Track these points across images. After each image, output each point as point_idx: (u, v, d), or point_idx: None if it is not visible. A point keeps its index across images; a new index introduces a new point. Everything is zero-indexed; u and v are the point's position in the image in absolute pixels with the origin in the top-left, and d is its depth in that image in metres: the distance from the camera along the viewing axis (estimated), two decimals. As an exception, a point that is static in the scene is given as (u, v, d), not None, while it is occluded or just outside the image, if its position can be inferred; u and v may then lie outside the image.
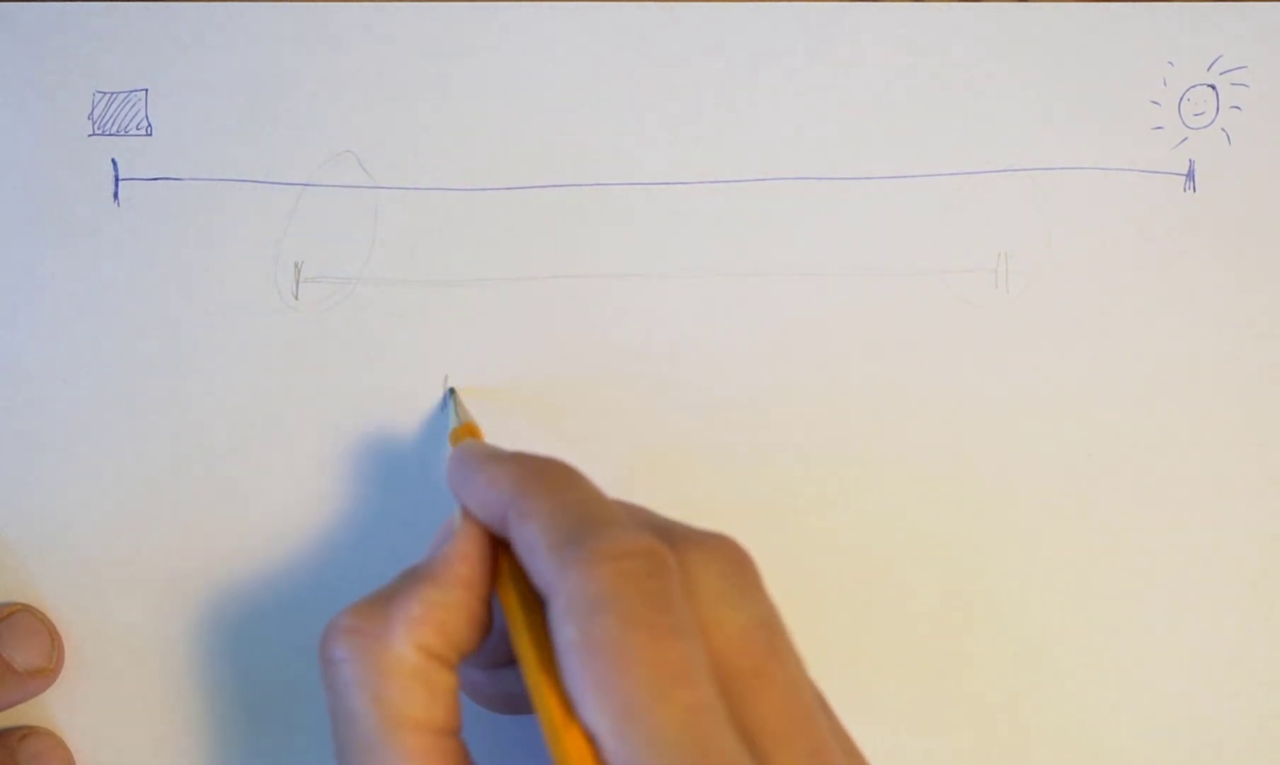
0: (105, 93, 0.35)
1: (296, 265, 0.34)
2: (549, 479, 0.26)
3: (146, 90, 0.35)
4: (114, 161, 0.34)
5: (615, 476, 0.34)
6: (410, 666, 0.24)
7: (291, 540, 0.34)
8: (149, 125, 0.35)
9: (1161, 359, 0.34)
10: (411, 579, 0.26)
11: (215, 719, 0.34)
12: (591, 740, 0.22)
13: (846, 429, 0.34)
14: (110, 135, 0.34)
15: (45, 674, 0.33)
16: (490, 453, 0.27)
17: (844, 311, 0.34)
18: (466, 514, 0.27)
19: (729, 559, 0.25)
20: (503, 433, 0.34)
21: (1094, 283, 0.34)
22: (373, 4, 0.35)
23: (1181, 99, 0.35)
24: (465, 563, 0.26)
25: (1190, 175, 0.34)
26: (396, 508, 0.34)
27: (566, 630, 0.22)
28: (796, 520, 0.34)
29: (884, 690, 0.34)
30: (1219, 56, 0.35)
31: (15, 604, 0.33)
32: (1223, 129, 0.35)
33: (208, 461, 0.34)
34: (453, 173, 0.35)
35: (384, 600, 0.25)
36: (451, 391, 0.34)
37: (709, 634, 0.23)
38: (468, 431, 0.31)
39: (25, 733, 0.33)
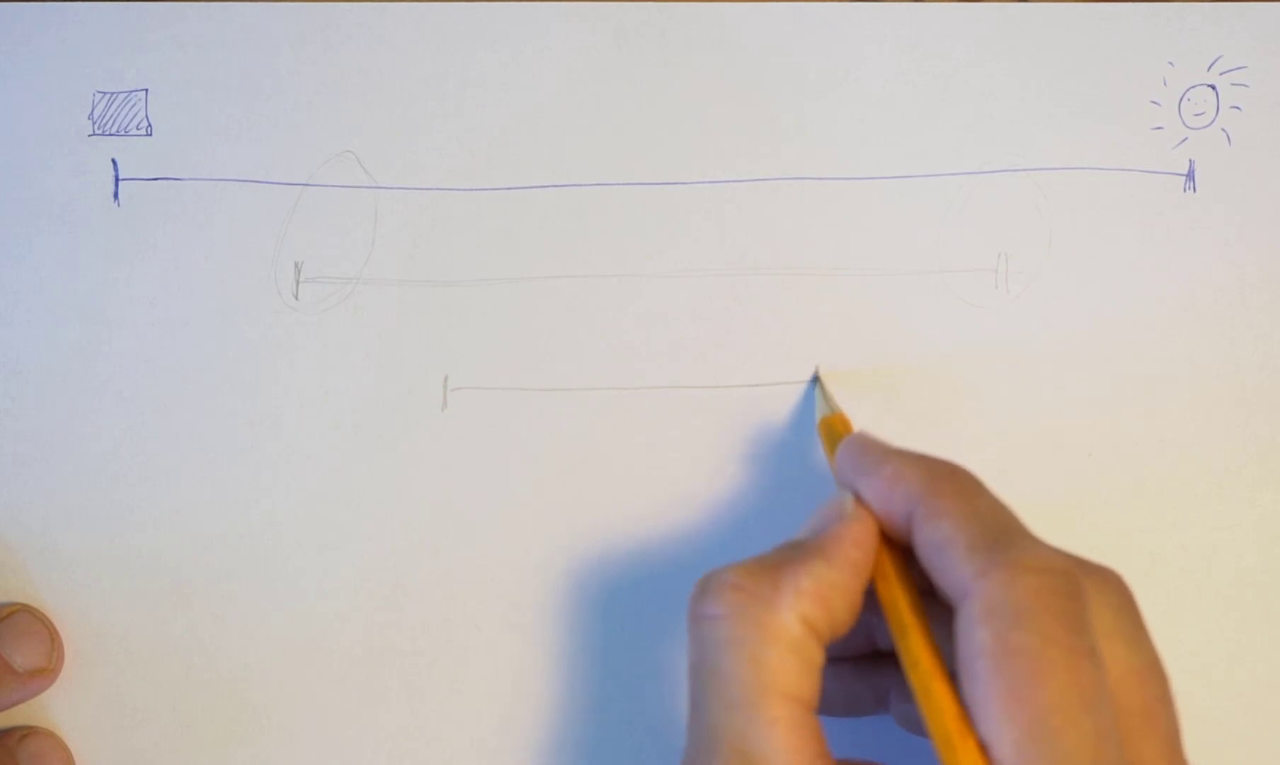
0: (105, 93, 0.35)
1: (296, 265, 0.34)
2: (961, 482, 0.26)
3: (146, 90, 0.35)
4: (114, 161, 0.34)
5: (615, 476, 0.34)
6: (792, 636, 0.24)
7: (291, 540, 0.34)
8: (149, 125, 0.35)
9: (1161, 359, 0.34)
10: (801, 552, 0.26)
11: (215, 719, 0.34)
12: (986, 750, 0.22)
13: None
14: (110, 135, 0.34)
15: (45, 674, 0.33)
16: (891, 448, 0.27)
17: (844, 311, 0.34)
18: (860, 502, 0.27)
19: (1122, 595, 0.25)
20: (504, 433, 0.34)
21: (1094, 283, 0.34)
22: (373, 4, 0.35)
23: (1181, 99, 0.35)
24: (858, 548, 0.26)
25: (1190, 175, 0.34)
26: (397, 506, 0.34)
27: (980, 634, 0.22)
28: (796, 518, 0.34)
29: (884, 690, 0.34)
30: (1219, 56, 0.35)
31: (15, 604, 0.33)
32: (1223, 129, 0.35)
33: (208, 461, 0.34)
34: (453, 173, 0.35)
35: (772, 566, 0.25)
36: (817, 378, 0.33)
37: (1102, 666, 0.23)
38: (841, 422, 0.31)
39: (25, 733, 0.33)
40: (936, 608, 0.25)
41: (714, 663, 0.24)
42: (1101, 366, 0.34)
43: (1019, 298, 0.34)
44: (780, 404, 0.34)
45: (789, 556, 0.25)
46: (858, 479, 0.27)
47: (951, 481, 0.26)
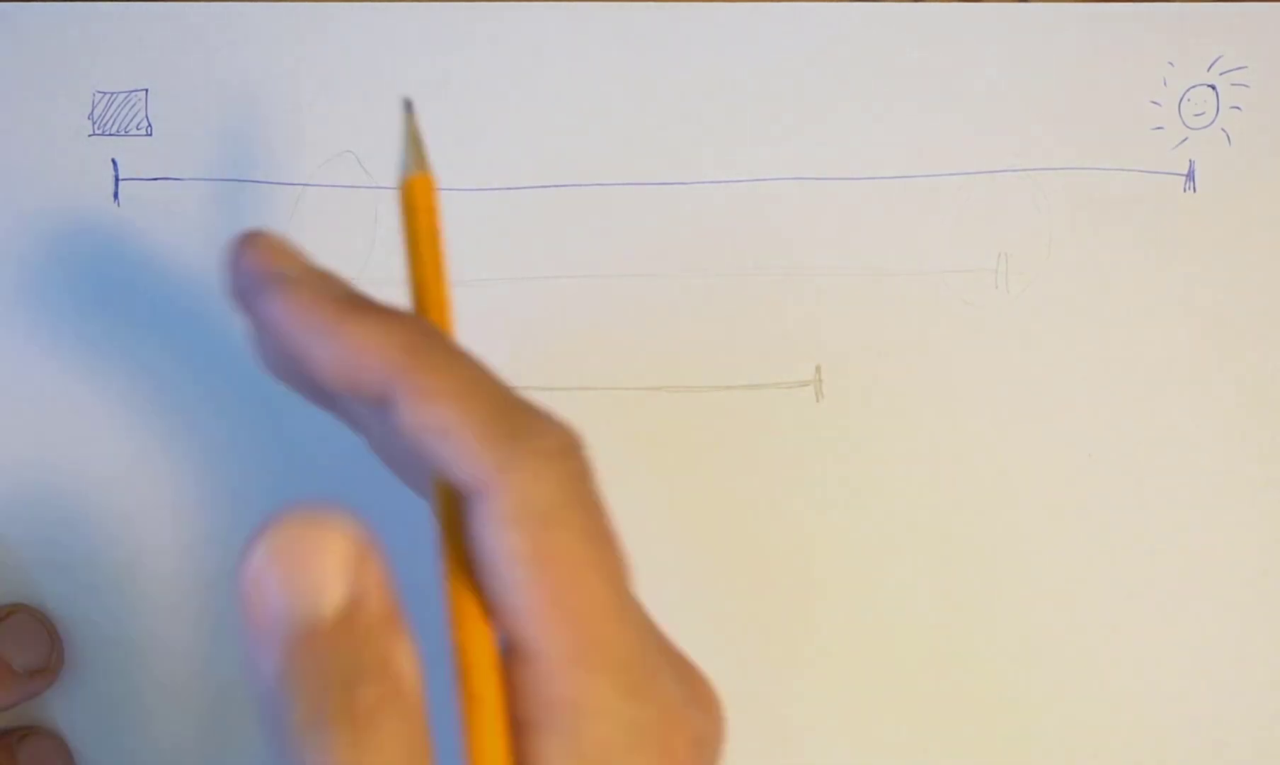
0: (105, 93, 0.35)
1: (296, 265, 0.34)
2: (451, 352, 0.22)
3: (146, 90, 0.35)
4: (114, 161, 0.34)
5: (615, 477, 0.34)
6: None
7: (291, 540, 0.34)
8: (149, 125, 0.35)
9: (1161, 359, 0.34)
10: None
11: (215, 719, 0.34)
12: (533, 658, 0.20)
13: (846, 428, 0.34)
14: (110, 135, 0.34)
15: (45, 674, 0.33)
16: (346, 294, 0.22)
17: (844, 311, 0.34)
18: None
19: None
20: (503, 433, 0.34)
21: (1094, 283, 0.34)
22: (373, 4, 0.35)
23: (1181, 99, 0.35)
24: None
25: (1190, 175, 0.34)
26: (395, 507, 0.34)
27: (512, 538, 0.20)
28: (796, 519, 0.34)
29: (882, 690, 0.34)
30: (1219, 56, 0.35)
31: (15, 604, 0.33)
32: (1223, 129, 0.35)
33: (208, 461, 0.34)
34: (453, 173, 0.35)
35: None
36: (408, 107, 0.27)
37: None
38: (425, 187, 0.24)
39: (25, 733, 0.33)
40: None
41: None
42: (1101, 366, 0.34)
43: (1019, 298, 0.34)
44: (784, 407, 0.34)
45: None
46: (311, 339, 0.21)
47: (441, 353, 0.22)
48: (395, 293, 0.34)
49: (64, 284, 0.34)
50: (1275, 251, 0.34)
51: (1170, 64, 0.35)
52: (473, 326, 0.34)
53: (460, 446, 0.21)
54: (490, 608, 0.21)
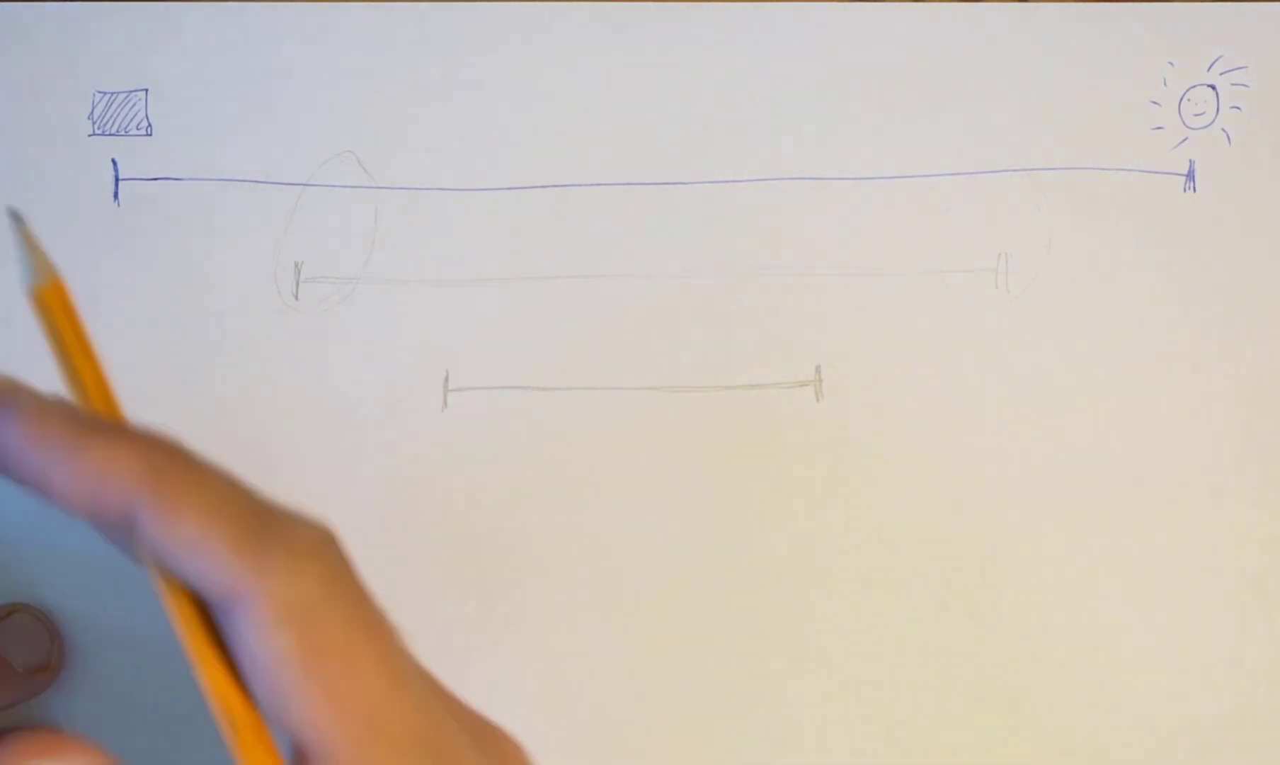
0: (105, 93, 0.35)
1: (296, 265, 0.34)
2: (189, 464, 0.22)
3: (146, 90, 0.35)
4: (114, 161, 0.34)
5: (615, 477, 0.34)
6: None
7: (291, 540, 0.34)
8: (149, 125, 0.35)
9: (1161, 359, 0.34)
10: None
11: (215, 719, 0.34)
12: (318, 756, 0.21)
13: (846, 428, 0.34)
14: (110, 135, 0.34)
15: (45, 674, 0.33)
16: (90, 422, 0.22)
17: (844, 311, 0.34)
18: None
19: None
20: (502, 433, 0.34)
21: (1094, 283, 0.34)
22: (373, 4, 0.35)
23: (1181, 99, 0.35)
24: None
25: (1190, 175, 0.34)
26: (394, 507, 0.34)
27: (277, 640, 0.20)
28: (796, 519, 0.34)
29: (882, 690, 0.34)
30: (1219, 56, 0.35)
31: (15, 604, 0.33)
32: (1223, 129, 0.35)
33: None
34: (453, 173, 0.35)
35: None
36: (14, 218, 0.26)
37: None
38: (58, 298, 0.24)
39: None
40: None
41: None
42: (1101, 366, 0.34)
43: (1019, 298, 0.34)
44: (784, 407, 0.34)
45: None
46: (48, 464, 0.22)
47: (182, 468, 0.22)
48: (394, 291, 0.34)
49: (64, 284, 0.34)
50: (1275, 251, 0.34)
51: (1170, 64, 0.35)
52: (474, 326, 0.34)
53: (212, 558, 0.21)
54: (268, 716, 0.21)
